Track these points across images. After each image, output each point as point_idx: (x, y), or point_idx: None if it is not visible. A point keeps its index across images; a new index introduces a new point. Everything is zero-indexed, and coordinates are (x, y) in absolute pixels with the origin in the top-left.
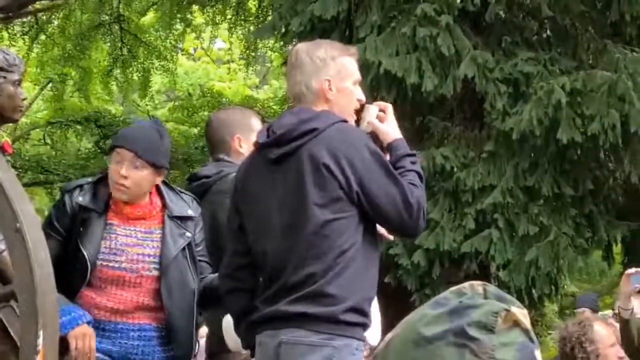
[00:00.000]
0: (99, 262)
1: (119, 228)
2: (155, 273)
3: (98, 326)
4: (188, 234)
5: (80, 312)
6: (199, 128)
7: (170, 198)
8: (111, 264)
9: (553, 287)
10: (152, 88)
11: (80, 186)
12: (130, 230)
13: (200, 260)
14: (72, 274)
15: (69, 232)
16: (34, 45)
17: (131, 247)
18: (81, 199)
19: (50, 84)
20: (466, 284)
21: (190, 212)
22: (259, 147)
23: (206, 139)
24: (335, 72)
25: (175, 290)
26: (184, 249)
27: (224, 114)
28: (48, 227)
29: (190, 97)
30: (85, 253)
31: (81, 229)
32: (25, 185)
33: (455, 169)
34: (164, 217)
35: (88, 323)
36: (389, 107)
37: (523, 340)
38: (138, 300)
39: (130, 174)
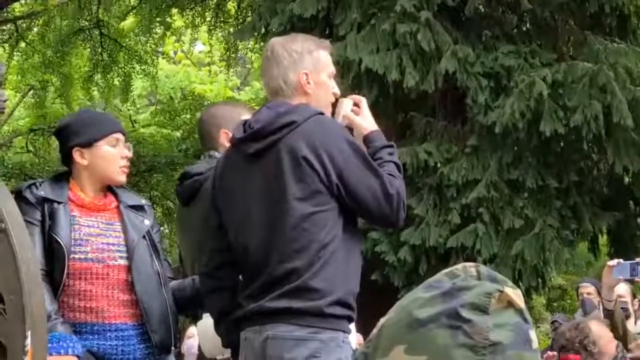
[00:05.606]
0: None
1: (82, 219)
2: (122, 262)
3: (75, 329)
4: (146, 221)
5: (71, 343)
6: (181, 131)
7: (121, 192)
8: (77, 255)
9: (540, 280)
10: (134, 92)
11: (33, 184)
12: (93, 221)
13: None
14: (51, 266)
15: (42, 225)
16: (14, 52)
17: (95, 236)
18: (42, 192)
19: (31, 91)
20: (459, 266)
21: (144, 202)
22: (236, 143)
23: (198, 135)
24: (312, 65)
25: (143, 276)
26: (144, 236)
27: (214, 109)
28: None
29: (172, 101)
30: (60, 241)
31: (50, 221)
32: None
33: (439, 165)
34: (120, 209)
35: (77, 357)
36: (363, 100)
37: (517, 320)
38: (108, 295)
39: (129, 155)
